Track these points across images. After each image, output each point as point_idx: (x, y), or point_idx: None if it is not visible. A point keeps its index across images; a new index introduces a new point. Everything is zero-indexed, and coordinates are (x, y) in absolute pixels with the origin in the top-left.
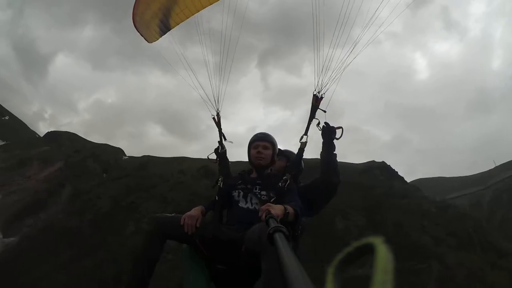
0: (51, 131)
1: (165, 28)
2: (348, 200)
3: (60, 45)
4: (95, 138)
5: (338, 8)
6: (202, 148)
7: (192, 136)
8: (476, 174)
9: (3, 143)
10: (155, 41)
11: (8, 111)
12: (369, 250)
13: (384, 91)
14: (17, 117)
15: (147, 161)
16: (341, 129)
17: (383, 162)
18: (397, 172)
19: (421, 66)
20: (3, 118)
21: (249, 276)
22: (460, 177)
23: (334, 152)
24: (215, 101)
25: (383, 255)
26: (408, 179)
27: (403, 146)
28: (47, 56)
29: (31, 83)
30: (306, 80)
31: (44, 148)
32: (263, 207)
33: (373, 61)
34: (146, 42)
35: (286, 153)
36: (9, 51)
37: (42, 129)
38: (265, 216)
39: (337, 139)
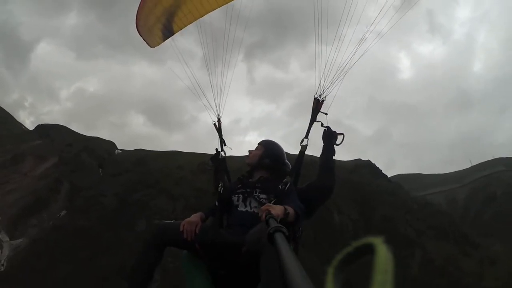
0: (40, 124)
1: (168, 33)
2: (341, 197)
3: (43, 32)
4: (77, 127)
5: (338, 11)
6: (185, 139)
7: (175, 126)
8: (453, 172)
9: None
10: (157, 45)
11: None
12: (368, 250)
13: (369, 87)
14: (4, 109)
15: (144, 156)
16: (342, 136)
17: (368, 160)
18: (381, 170)
19: (405, 65)
20: None
21: (250, 280)
22: (437, 174)
23: (334, 157)
24: (216, 106)
25: (383, 255)
26: (389, 173)
27: (384, 141)
28: (29, 43)
29: (12, 70)
30: (292, 75)
31: (37, 142)
32: (263, 207)
33: (359, 58)
34: (148, 46)
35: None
36: None
37: (22, 118)
38: (265, 216)
39: (337, 145)
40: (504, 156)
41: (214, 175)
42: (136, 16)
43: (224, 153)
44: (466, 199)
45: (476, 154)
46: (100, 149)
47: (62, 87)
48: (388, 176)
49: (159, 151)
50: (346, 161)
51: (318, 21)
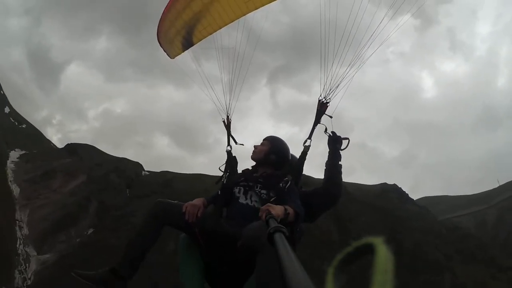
0: (70, 143)
1: (187, 44)
2: (369, 222)
3: (74, 55)
4: (103, 146)
5: (345, 20)
6: (208, 161)
7: (199, 148)
8: (481, 192)
9: (22, 152)
10: (176, 56)
11: (25, 119)
12: (368, 250)
13: (393, 108)
14: (33, 125)
15: (171, 178)
16: (347, 140)
17: (394, 185)
18: (407, 194)
19: (428, 84)
20: (20, 126)
21: (242, 272)
22: (465, 195)
23: (340, 163)
24: (226, 104)
25: (383, 255)
26: (415, 196)
27: (410, 162)
28: (60, 65)
29: (43, 90)
30: (315, 97)
31: (66, 160)
32: (263, 207)
33: (382, 78)
34: (168, 57)
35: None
36: (24, 58)
37: (49, 134)
38: (265, 216)
39: (342, 149)
40: None
41: (226, 166)
42: (158, 29)
43: (231, 147)
44: (495, 220)
45: (504, 172)
46: (128, 170)
47: (90, 107)
48: (415, 199)
49: (185, 173)
50: (372, 185)
51: (323, 28)
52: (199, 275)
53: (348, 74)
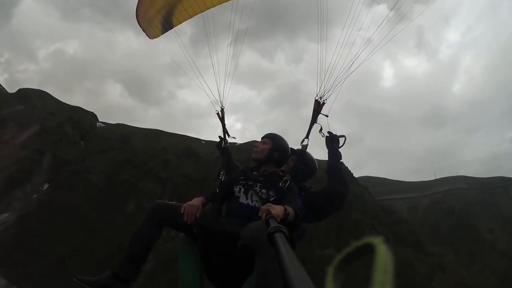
0: (22, 89)
1: (167, 26)
2: None
3: None
4: (51, 89)
5: (342, 14)
6: (161, 114)
7: (152, 101)
8: (417, 181)
9: None
10: (156, 37)
11: None
12: (368, 250)
13: (348, 89)
14: None
15: (127, 133)
16: (344, 138)
17: (341, 163)
18: (352, 174)
19: (388, 74)
20: None
21: (241, 271)
22: (402, 181)
23: (341, 161)
24: (219, 96)
25: (383, 255)
26: (356, 173)
27: (356, 143)
28: None
29: None
30: (277, 66)
31: (18, 108)
32: (264, 207)
33: (345, 60)
34: (148, 37)
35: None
36: None
37: None
38: (265, 216)
39: (339, 147)
40: (467, 175)
41: (222, 162)
42: (137, 7)
43: (226, 142)
44: (426, 209)
45: (441, 168)
46: (83, 120)
47: (41, 46)
48: (356, 177)
49: (142, 128)
50: (321, 160)
51: (322, 23)
52: (198, 274)
53: (345, 69)
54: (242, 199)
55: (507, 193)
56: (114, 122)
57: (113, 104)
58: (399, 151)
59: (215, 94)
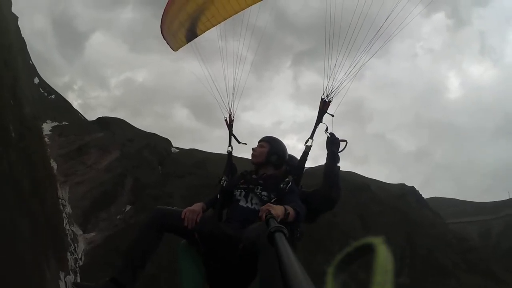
0: (101, 117)
1: (191, 36)
2: (390, 222)
3: (98, 24)
4: (122, 114)
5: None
6: (224, 134)
7: (216, 123)
8: (490, 202)
9: (54, 124)
10: (179, 48)
11: (53, 89)
12: (368, 250)
13: (416, 103)
14: (62, 96)
15: (202, 159)
16: (345, 142)
17: (413, 187)
18: (425, 199)
19: (453, 85)
20: (49, 96)
21: (244, 275)
22: (474, 202)
23: (338, 165)
24: (229, 104)
25: (383, 255)
26: (424, 193)
27: (425, 158)
28: (84, 33)
29: (66, 58)
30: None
31: (99, 135)
32: (263, 207)
33: (409, 73)
34: (172, 49)
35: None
36: (48, 25)
37: (69, 99)
38: (265, 216)
39: (339, 152)
40: None
41: (225, 168)
42: (161, 21)
43: (232, 148)
44: (499, 232)
45: None
46: (158, 146)
47: (112, 75)
48: (425, 197)
49: (214, 153)
50: (392, 184)
51: (330, 24)
52: (199, 280)
53: (351, 69)
54: (242, 203)
55: None
56: (184, 146)
57: (179, 127)
58: (469, 167)
59: (225, 102)
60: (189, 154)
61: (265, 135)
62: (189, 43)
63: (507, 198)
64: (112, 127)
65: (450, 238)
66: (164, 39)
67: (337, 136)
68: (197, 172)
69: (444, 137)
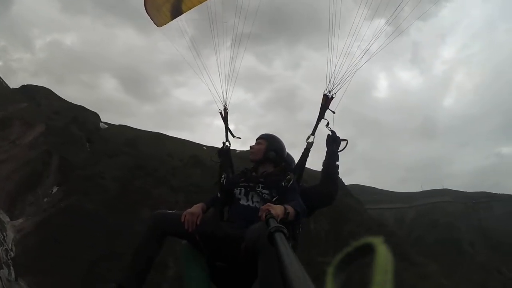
0: (26, 85)
1: (176, 12)
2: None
3: None
4: (44, 79)
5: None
6: (154, 110)
7: (147, 97)
8: (404, 192)
9: None
10: (164, 24)
11: None
12: (368, 250)
13: (345, 96)
14: None
15: (133, 137)
16: (345, 142)
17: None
18: (346, 186)
19: (382, 85)
20: None
21: (248, 274)
22: (390, 191)
23: (337, 163)
24: (223, 95)
25: (383, 255)
26: (346, 181)
27: (348, 149)
28: None
29: None
30: (274, 71)
31: (23, 105)
32: (263, 207)
33: (355, 52)
34: (155, 25)
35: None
36: None
37: None
38: (265, 216)
39: (339, 151)
40: (453, 189)
41: (219, 168)
42: None
43: (229, 143)
44: (412, 220)
45: (428, 180)
46: (88, 121)
47: (39, 36)
48: (346, 184)
49: (145, 131)
50: (318, 171)
51: (332, 18)
52: (204, 280)
53: (354, 64)
54: (243, 201)
55: (491, 209)
56: (113, 120)
57: (107, 98)
58: (389, 160)
59: (219, 93)
60: (119, 131)
61: (262, 133)
62: (174, 20)
63: (420, 190)
64: (37, 97)
65: (370, 224)
66: (147, 12)
67: (338, 135)
68: (129, 151)
69: (368, 131)
